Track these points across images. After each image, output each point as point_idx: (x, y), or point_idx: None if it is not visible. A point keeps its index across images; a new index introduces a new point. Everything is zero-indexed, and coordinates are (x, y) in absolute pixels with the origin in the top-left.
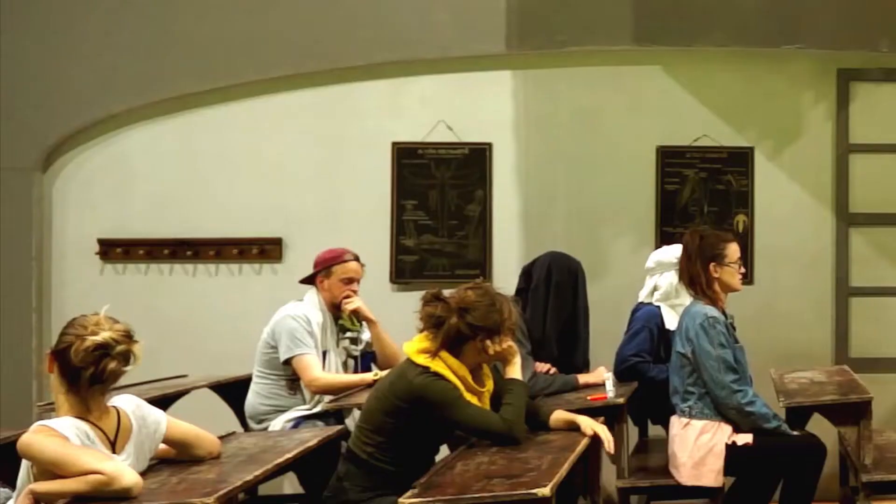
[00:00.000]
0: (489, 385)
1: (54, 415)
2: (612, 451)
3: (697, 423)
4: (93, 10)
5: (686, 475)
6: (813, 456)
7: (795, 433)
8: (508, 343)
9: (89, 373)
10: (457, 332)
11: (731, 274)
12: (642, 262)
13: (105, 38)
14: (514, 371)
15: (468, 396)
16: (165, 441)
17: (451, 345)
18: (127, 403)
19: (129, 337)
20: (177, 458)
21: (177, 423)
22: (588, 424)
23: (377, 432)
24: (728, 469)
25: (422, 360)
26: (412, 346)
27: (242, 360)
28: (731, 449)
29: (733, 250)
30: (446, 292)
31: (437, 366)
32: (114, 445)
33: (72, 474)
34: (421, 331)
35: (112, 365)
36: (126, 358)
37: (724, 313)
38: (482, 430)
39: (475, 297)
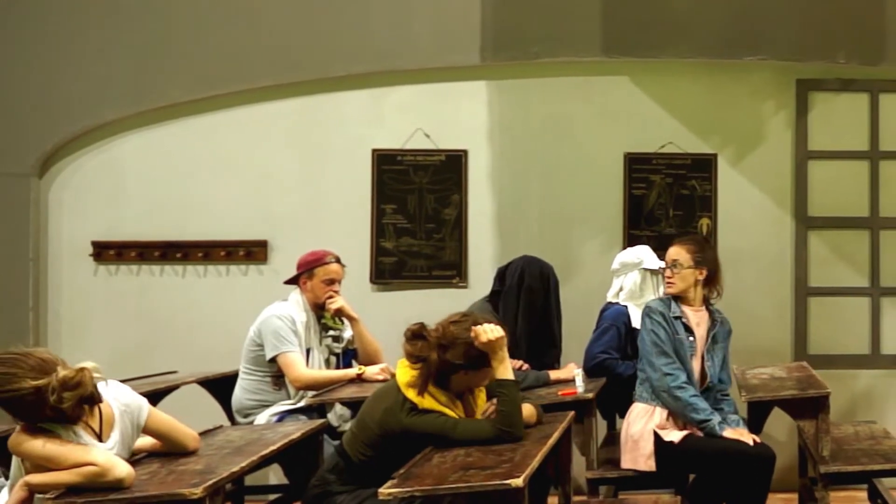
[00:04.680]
0: (481, 400)
1: None
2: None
3: (636, 406)
4: (87, 23)
5: (624, 459)
6: (760, 465)
7: (727, 435)
8: (489, 336)
9: (74, 414)
10: (437, 367)
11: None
12: (611, 264)
13: (99, 49)
14: (504, 371)
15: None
16: (146, 430)
17: (437, 378)
18: (107, 391)
19: (82, 378)
20: (157, 450)
21: (158, 414)
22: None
23: (370, 446)
24: (663, 461)
25: (411, 394)
26: (403, 372)
27: (229, 356)
28: (661, 441)
29: (664, 256)
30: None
31: (426, 403)
32: (100, 436)
33: (65, 468)
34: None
35: (96, 394)
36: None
37: (668, 305)
38: (478, 443)
39: (456, 333)
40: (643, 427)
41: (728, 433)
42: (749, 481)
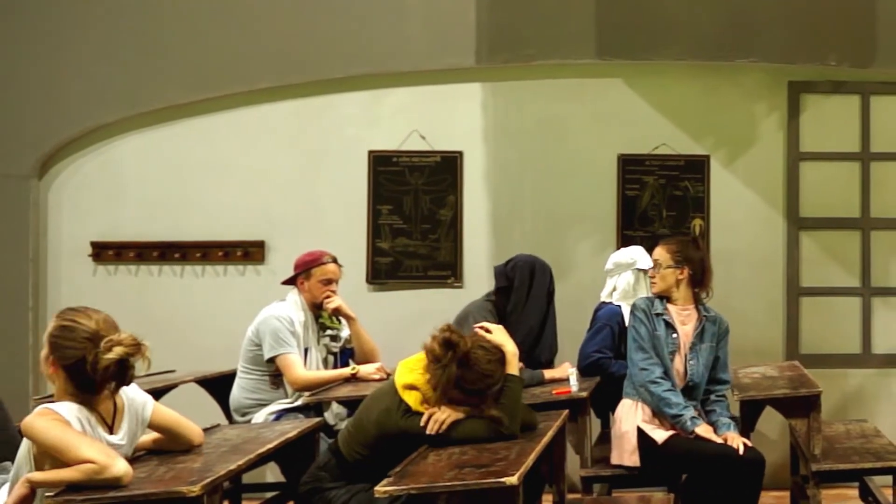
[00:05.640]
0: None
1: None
2: None
3: (623, 402)
4: (86, 25)
5: (612, 455)
6: (750, 471)
7: (699, 432)
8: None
9: (103, 378)
10: (447, 380)
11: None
12: (604, 264)
13: (97, 51)
14: (510, 367)
15: None
16: (151, 426)
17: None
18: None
19: (138, 346)
20: (161, 447)
21: (162, 410)
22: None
23: (366, 446)
24: (648, 458)
25: (407, 396)
26: (403, 374)
27: (227, 356)
28: (646, 438)
29: (653, 255)
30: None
31: (421, 406)
32: (112, 427)
33: (68, 460)
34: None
35: (132, 373)
36: (131, 371)
37: (652, 303)
38: (475, 441)
39: (480, 361)
40: (628, 422)
41: (700, 430)
42: (738, 486)
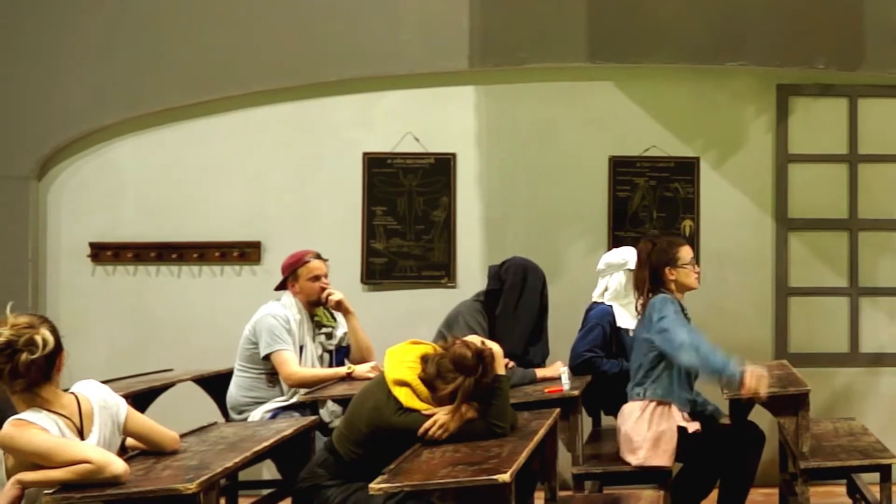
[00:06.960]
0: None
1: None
2: None
3: (651, 406)
4: (85, 28)
5: (642, 456)
6: (752, 443)
7: (742, 370)
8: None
9: (7, 371)
10: (466, 389)
11: (685, 274)
12: (596, 264)
13: (97, 54)
14: (498, 367)
15: None
16: (125, 431)
17: (425, 382)
18: (84, 388)
19: (29, 326)
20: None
21: (136, 415)
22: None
23: (360, 444)
24: (683, 453)
25: (399, 394)
26: (393, 369)
27: (223, 355)
28: (681, 434)
29: (686, 252)
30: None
31: (412, 403)
32: (81, 431)
33: (58, 464)
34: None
35: (22, 357)
36: (32, 345)
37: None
38: (468, 440)
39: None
40: (665, 422)
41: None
42: (752, 454)
